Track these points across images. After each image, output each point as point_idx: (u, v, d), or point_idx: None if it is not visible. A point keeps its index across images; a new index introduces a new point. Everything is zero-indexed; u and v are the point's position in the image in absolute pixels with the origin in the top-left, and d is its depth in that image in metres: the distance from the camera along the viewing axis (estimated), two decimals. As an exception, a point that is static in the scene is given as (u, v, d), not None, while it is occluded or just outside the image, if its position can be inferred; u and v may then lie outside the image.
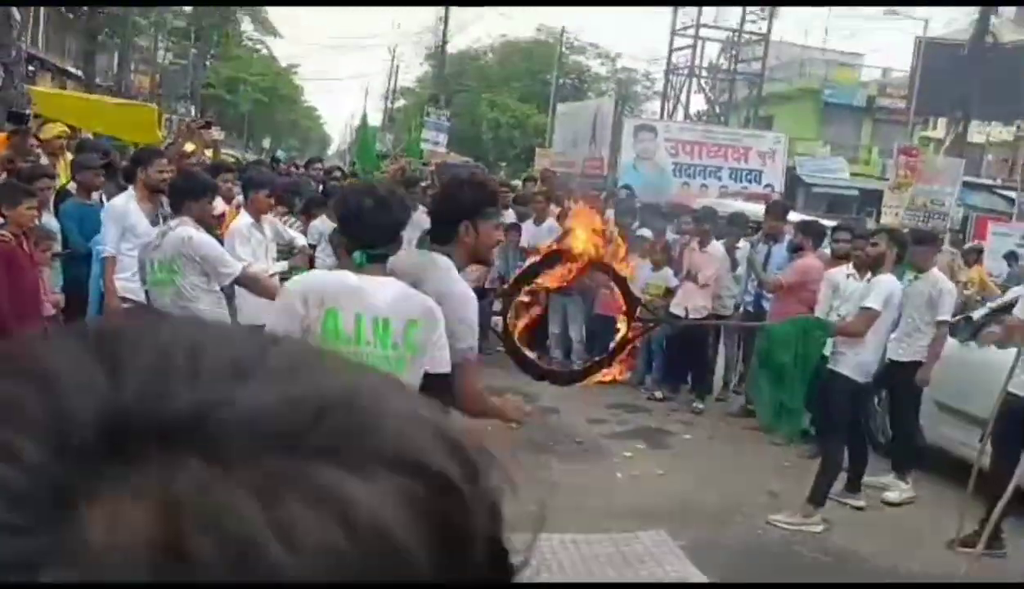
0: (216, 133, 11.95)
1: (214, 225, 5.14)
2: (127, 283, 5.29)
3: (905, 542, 5.30)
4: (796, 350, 5.03)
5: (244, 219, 5.81)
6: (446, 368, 2.77)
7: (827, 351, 5.45)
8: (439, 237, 3.08)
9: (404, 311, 2.67)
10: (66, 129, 8.45)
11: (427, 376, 2.74)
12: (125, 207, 5.56)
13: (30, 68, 19.08)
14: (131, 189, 5.70)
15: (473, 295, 3.03)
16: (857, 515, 5.67)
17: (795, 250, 7.29)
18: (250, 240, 5.65)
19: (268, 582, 0.28)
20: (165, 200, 5.27)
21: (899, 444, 6.27)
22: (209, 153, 10.89)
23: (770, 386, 5.12)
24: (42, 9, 21.69)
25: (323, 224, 7.65)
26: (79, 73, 23.55)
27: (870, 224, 11.52)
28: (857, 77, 33.15)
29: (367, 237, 2.75)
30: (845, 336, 5.44)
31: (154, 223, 5.30)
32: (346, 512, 0.30)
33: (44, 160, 7.15)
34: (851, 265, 6.04)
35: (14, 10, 14.68)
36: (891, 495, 5.96)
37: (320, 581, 0.29)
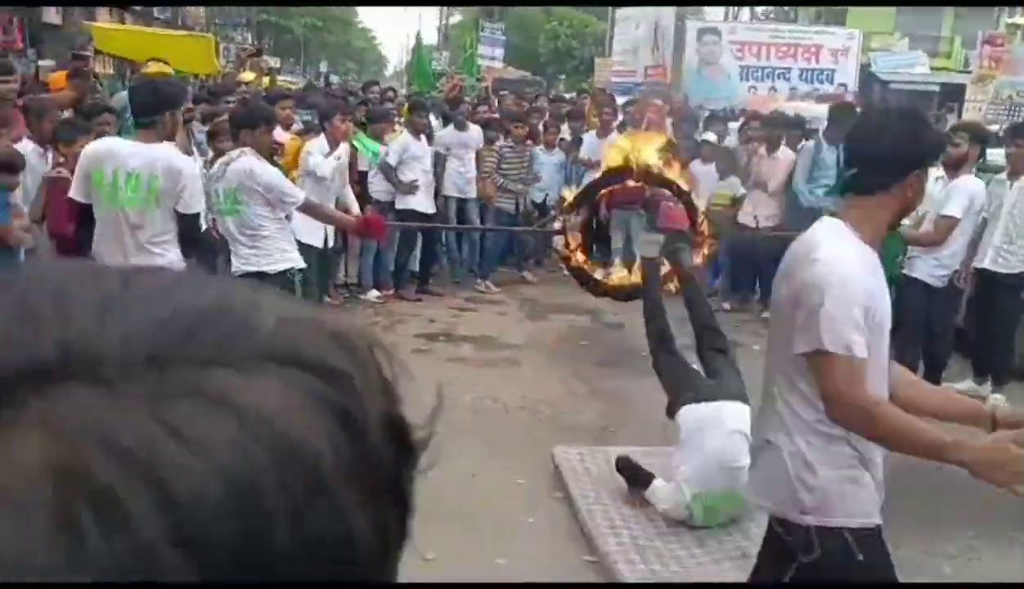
0: (271, 60, 11.98)
1: (273, 153, 5.15)
2: None
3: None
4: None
5: (320, 145, 5.83)
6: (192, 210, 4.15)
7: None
8: (866, 186, 2.18)
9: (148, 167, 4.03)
10: (168, 69, 8.60)
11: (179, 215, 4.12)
12: None
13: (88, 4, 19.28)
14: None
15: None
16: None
17: (954, 165, 6.68)
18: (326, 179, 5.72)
19: (173, 483, 0.29)
20: (196, 130, 5.28)
21: (996, 356, 5.87)
22: (266, 81, 10.92)
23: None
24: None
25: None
26: (137, 7, 23.70)
27: (951, 120, 10.95)
28: (936, -37, 31.10)
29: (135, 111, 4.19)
30: (922, 246, 5.22)
31: (187, 153, 5.28)
32: (237, 406, 0.31)
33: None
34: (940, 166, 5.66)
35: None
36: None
37: (226, 475, 0.30)
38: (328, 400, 0.33)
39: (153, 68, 7.48)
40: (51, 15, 15.30)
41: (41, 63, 13.82)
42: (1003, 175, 5.73)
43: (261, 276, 4.74)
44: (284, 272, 4.74)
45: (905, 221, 5.21)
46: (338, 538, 0.32)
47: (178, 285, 0.35)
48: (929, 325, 5.42)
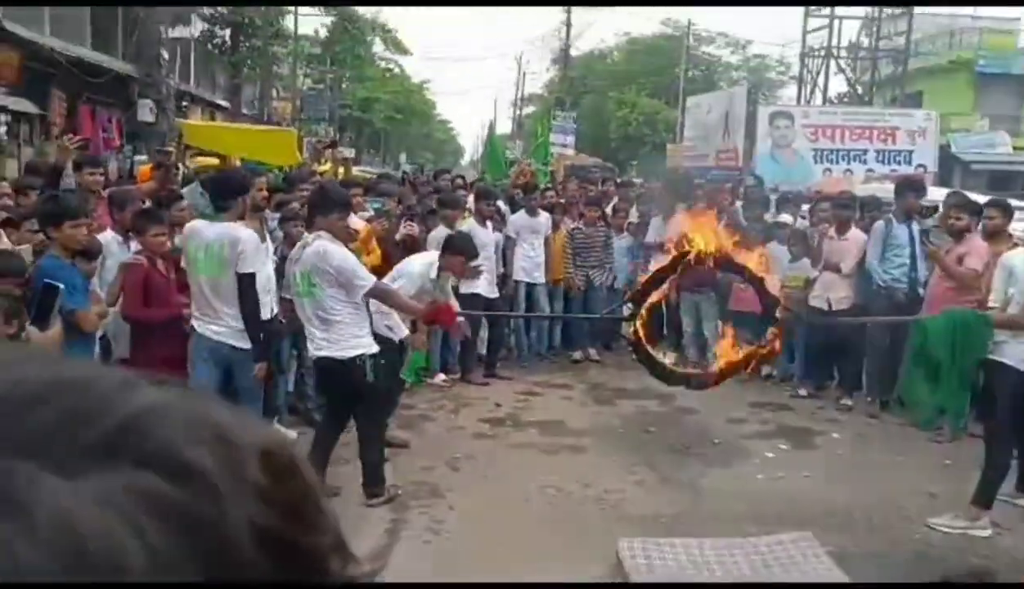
0: (346, 151, 12.43)
1: (348, 240, 5.27)
2: None
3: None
4: (954, 345, 4.61)
5: (423, 266, 5.82)
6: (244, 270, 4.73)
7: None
8: None
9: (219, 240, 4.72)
10: (215, 161, 8.95)
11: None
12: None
13: (183, 103, 20.50)
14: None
15: None
16: (1031, 518, 5.16)
17: (959, 234, 6.53)
18: (422, 286, 5.74)
19: None
20: (269, 216, 5.49)
21: None
22: (342, 171, 11.29)
23: (927, 386, 4.72)
24: (192, 47, 23.22)
25: (440, 233, 7.75)
26: (226, 105, 25.08)
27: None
28: (1014, 43, 30.59)
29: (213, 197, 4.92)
30: (1009, 329, 4.96)
31: (262, 239, 5.45)
32: (28, 512, 0.28)
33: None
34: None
35: (163, 51, 15.78)
36: None
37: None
38: (168, 503, 0.29)
39: (201, 161, 7.81)
40: (146, 114, 16.29)
41: (136, 158, 14.67)
42: None
43: (333, 361, 4.80)
44: (355, 358, 4.79)
45: (993, 303, 5.04)
46: None
47: (28, 360, 0.32)
48: (1021, 412, 5.09)
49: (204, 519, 0.30)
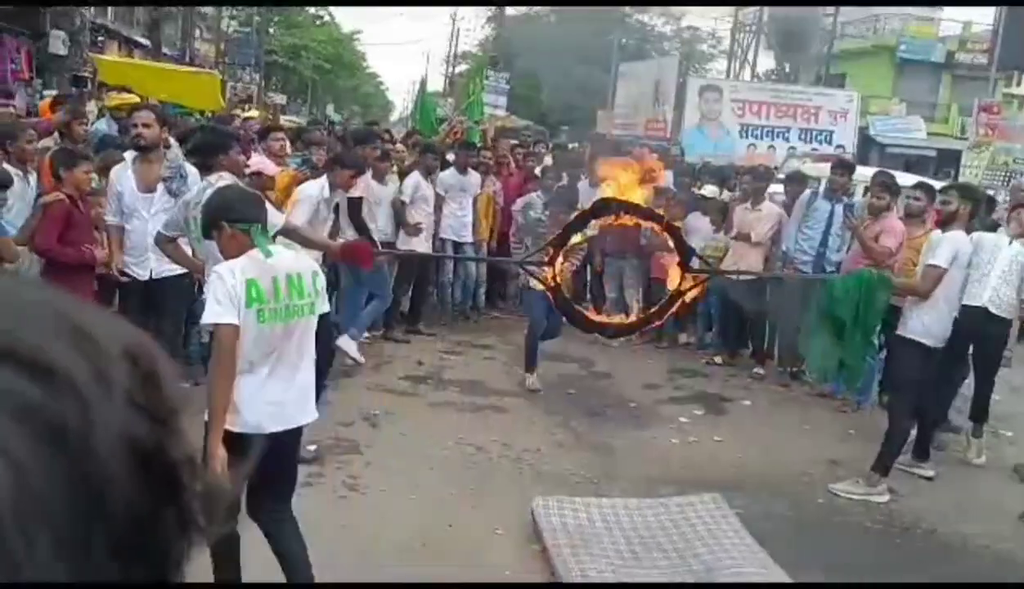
0: (276, 97, 12.12)
1: (241, 176, 5.08)
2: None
3: (975, 513, 5.06)
4: (858, 304, 4.77)
5: (317, 188, 5.72)
6: None
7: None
8: None
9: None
10: (133, 98, 8.53)
11: None
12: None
13: (99, 37, 19.50)
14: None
15: None
16: (925, 485, 5.43)
17: (878, 212, 6.71)
18: (318, 209, 5.61)
19: None
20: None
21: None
22: (271, 117, 10.96)
23: (829, 342, 4.89)
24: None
25: (369, 187, 7.62)
26: (146, 42, 23.96)
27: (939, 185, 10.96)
28: (935, 32, 31.59)
29: None
30: (910, 295, 5.18)
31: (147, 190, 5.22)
32: None
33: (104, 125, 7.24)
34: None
35: (78, -21, 14.93)
36: (976, 459, 5.83)
37: None
38: (31, 407, 0.26)
39: (115, 99, 7.42)
40: (58, 46, 15.43)
41: (46, 93, 13.91)
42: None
43: None
44: None
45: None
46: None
47: None
48: (923, 385, 5.33)
49: (71, 428, 0.26)
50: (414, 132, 12.28)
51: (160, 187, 5.19)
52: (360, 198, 7.20)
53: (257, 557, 3.23)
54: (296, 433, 3.37)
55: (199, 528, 0.30)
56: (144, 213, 5.20)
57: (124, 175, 5.24)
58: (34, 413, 0.25)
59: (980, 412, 5.92)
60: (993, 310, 5.63)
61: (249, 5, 29.53)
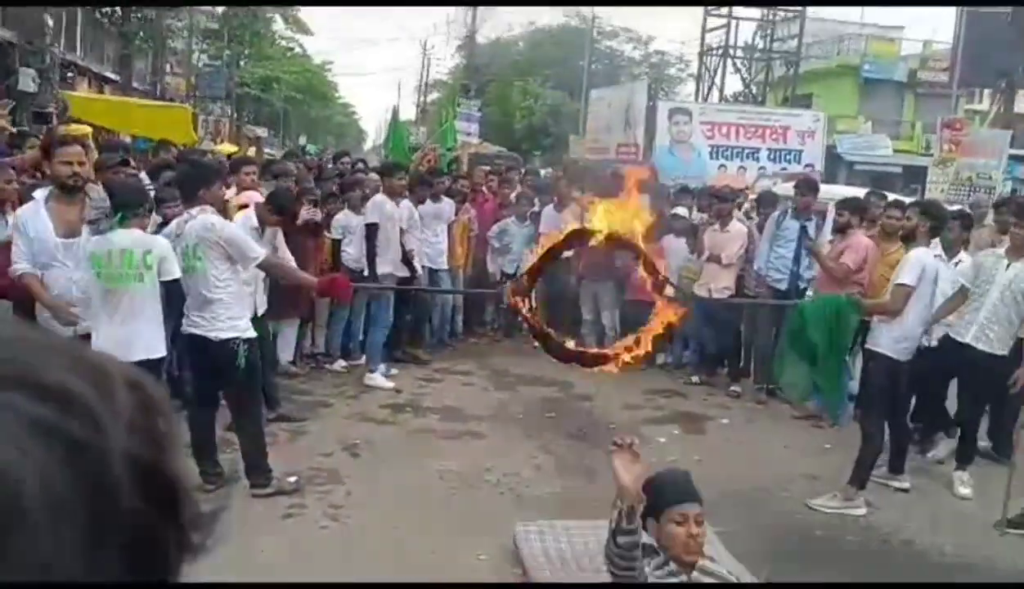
0: (258, 130, 12.14)
1: (223, 209, 5.12)
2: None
3: (951, 524, 5.14)
4: (830, 329, 4.86)
5: (242, 219, 5.67)
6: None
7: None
8: None
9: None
10: (88, 130, 8.50)
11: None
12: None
13: (68, 74, 19.43)
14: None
15: None
16: (901, 497, 5.51)
17: (840, 230, 6.91)
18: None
19: None
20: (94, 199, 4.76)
21: (965, 438, 5.83)
22: (253, 151, 10.96)
23: (803, 366, 4.96)
24: (78, 14, 22.02)
25: (345, 218, 7.64)
26: (116, 78, 23.90)
27: (909, 201, 11.18)
28: (897, 51, 32.27)
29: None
30: (879, 315, 5.27)
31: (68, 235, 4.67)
32: None
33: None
34: (936, 246, 5.71)
35: (48, 18, 14.89)
36: (962, 490, 5.62)
37: None
38: (52, 425, 0.30)
39: (74, 129, 7.30)
40: (27, 83, 15.37)
41: (16, 130, 13.82)
42: (1000, 250, 5.81)
43: (205, 340, 4.61)
44: (228, 340, 4.59)
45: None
46: (38, 583, 0.28)
47: None
48: (894, 399, 5.42)
49: (85, 445, 0.30)
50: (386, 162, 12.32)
51: (85, 231, 4.67)
52: (375, 224, 7.35)
53: (258, 557, 3.22)
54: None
55: (192, 544, 0.34)
56: (66, 261, 4.66)
57: (36, 217, 4.61)
58: (53, 430, 0.29)
59: (1002, 445, 5.91)
60: (981, 347, 5.57)
61: (244, 5, 29.42)
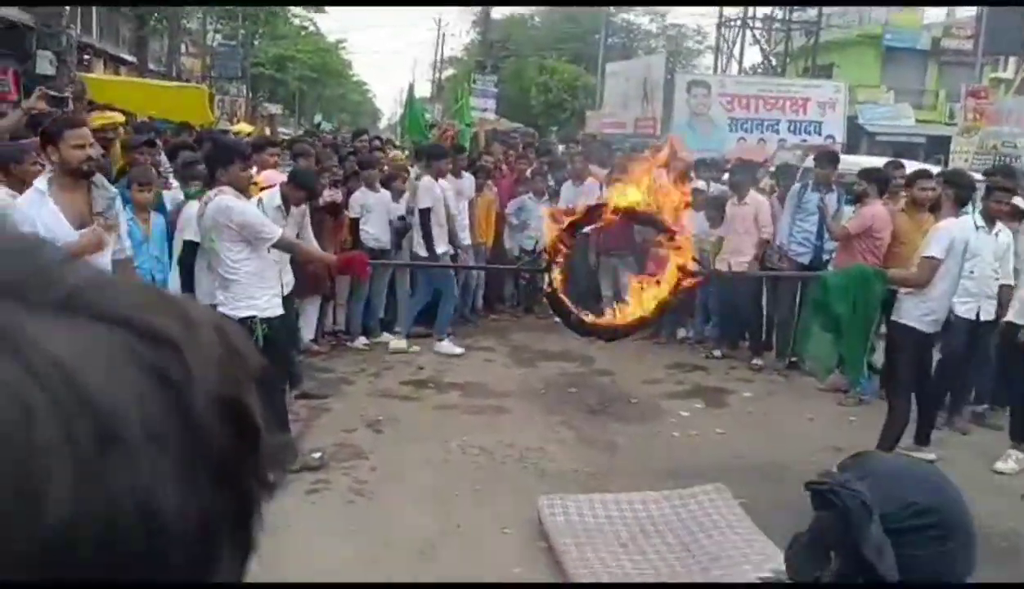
0: (272, 108, 12.12)
1: (249, 190, 5.10)
2: None
3: (977, 494, 5.09)
4: (854, 300, 4.80)
5: (267, 196, 5.70)
6: None
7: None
8: None
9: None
10: (118, 117, 8.45)
11: None
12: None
13: (85, 56, 19.49)
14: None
15: None
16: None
17: (858, 199, 6.90)
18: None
19: None
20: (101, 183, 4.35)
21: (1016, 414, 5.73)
22: (268, 130, 10.96)
23: (826, 337, 4.91)
24: (94, -2, 22.04)
25: (363, 196, 7.65)
26: (132, 59, 23.95)
27: (936, 171, 11.04)
28: (919, 19, 31.74)
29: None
30: (905, 286, 5.21)
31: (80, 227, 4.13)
32: (17, 343, 0.29)
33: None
34: (978, 216, 5.69)
35: None
36: (1003, 465, 5.56)
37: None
38: (146, 360, 0.31)
39: (99, 119, 7.26)
40: (45, 66, 15.43)
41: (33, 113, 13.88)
42: None
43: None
44: (245, 319, 4.53)
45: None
46: (138, 507, 0.29)
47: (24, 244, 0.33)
48: (920, 371, 5.37)
49: (176, 380, 0.31)
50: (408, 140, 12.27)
51: (190, 205, 4.92)
52: (428, 209, 7.58)
53: (284, 532, 3.25)
54: None
55: (269, 481, 0.35)
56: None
57: (43, 210, 4.00)
58: (148, 365, 0.30)
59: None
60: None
61: (258, 5, 29.42)
